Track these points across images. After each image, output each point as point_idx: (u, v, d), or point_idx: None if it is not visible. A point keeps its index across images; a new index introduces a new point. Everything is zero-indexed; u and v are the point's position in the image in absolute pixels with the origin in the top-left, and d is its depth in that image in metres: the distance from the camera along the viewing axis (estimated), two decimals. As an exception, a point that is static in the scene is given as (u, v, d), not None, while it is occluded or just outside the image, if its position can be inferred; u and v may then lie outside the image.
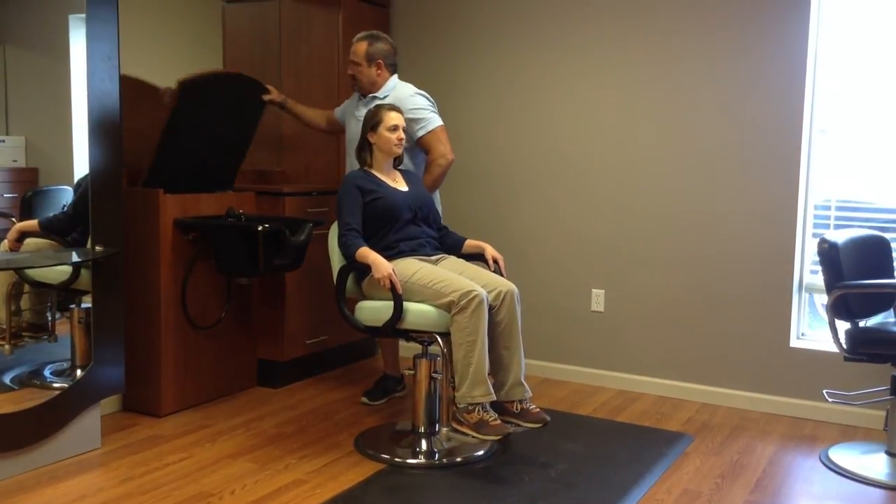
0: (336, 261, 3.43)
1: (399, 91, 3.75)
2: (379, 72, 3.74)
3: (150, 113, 3.63)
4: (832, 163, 3.91)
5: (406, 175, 3.53)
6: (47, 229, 3.34)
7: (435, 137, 3.68)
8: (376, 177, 3.42)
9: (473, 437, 3.07)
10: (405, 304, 3.14)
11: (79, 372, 3.30)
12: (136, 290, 3.61)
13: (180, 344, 3.72)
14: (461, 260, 3.43)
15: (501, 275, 3.37)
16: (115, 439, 3.37)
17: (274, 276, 4.06)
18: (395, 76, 3.80)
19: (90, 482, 2.96)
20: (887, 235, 3.55)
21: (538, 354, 4.46)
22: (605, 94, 4.24)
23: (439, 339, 3.18)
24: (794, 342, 3.93)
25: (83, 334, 3.40)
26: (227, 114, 3.85)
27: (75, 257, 3.32)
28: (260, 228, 3.58)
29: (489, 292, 3.13)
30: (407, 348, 3.89)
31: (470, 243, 3.53)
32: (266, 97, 3.98)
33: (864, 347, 3.20)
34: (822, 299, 3.86)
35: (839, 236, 3.27)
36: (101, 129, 3.15)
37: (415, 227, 3.40)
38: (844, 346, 3.23)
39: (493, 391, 3.10)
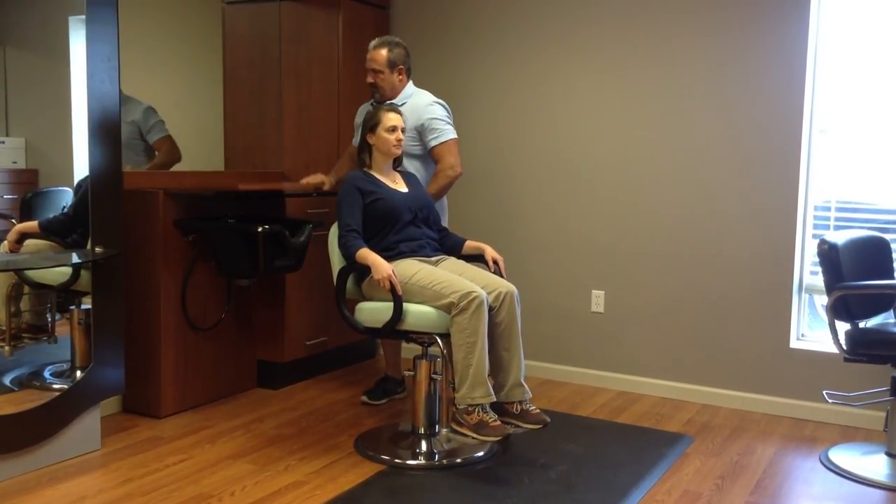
0: (336, 262, 3.43)
1: (417, 98, 3.76)
2: (400, 77, 3.75)
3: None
4: (832, 163, 3.91)
5: (406, 176, 3.53)
6: (47, 230, 3.34)
7: (447, 149, 3.70)
8: (376, 178, 3.42)
9: (473, 438, 3.07)
10: (405, 305, 3.14)
11: (79, 373, 3.30)
12: (136, 292, 3.61)
13: (180, 345, 3.72)
14: (461, 261, 3.43)
15: (501, 276, 3.37)
16: (115, 440, 3.37)
17: (274, 277, 4.06)
18: (411, 81, 3.81)
19: (90, 483, 2.96)
20: (887, 236, 3.55)
21: (538, 355, 4.45)
22: (605, 95, 4.24)
23: (439, 341, 3.18)
24: (794, 343, 3.93)
25: (83, 335, 3.40)
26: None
27: (75, 258, 3.32)
28: (260, 230, 3.58)
29: (489, 293, 3.13)
30: (408, 349, 3.89)
31: (470, 244, 3.53)
32: (308, 182, 3.97)
33: (864, 348, 3.20)
34: (822, 300, 3.86)
35: (839, 237, 3.27)
36: (101, 131, 3.15)
37: (414, 228, 3.40)
38: (844, 347, 3.23)
39: (493, 392, 3.09)
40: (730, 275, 4.01)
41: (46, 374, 3.45)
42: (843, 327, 3.26)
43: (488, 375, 3.10)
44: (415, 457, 3.24)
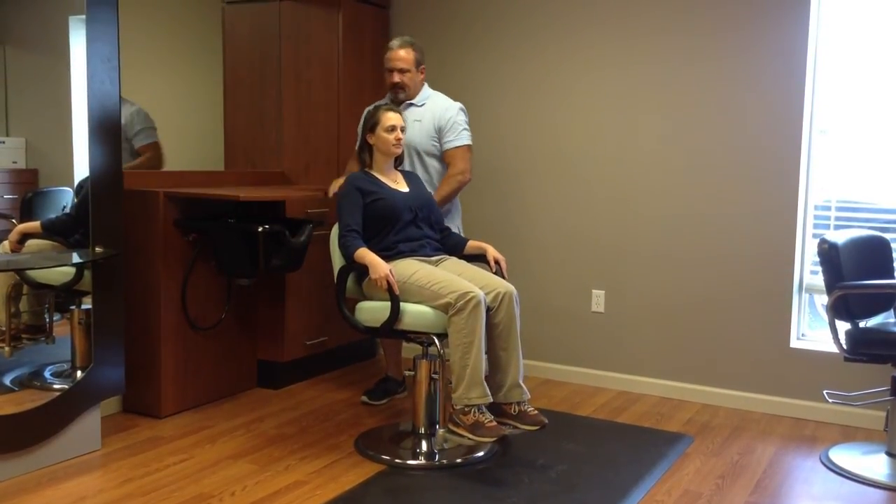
0: (337, 261, 3.43)
1: (437, 99, 3.79)
2: (422, 77, 3.78)
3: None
4: (832, 163, 3.91)
5: (407, 176, 3.53)
6: (50, 231, 3.34)
7: (461, 154, 3.73)
8: (377, 178, 3.41)
9: (469, 438, 3.07)
10: (403, 305, 3.15)
11: (79, 373, 3.30)
12: (137, 292, 3.61)
13: (180, 345, 3.72)
14: (462, 261, 3.43)
15: (503, 276, 3.36)
16: (116, 440, 3.37)
17: (274, 276, 4.06)
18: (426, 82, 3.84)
19: (90, 483, 2.96)
20: (887, 236, 3.54)
21: (538, 355, 4.46)
22: (606, 95, 4.24)
23: (436, 341, 3.18)
24: (795, 343, 3.93)
25: (83, 335, 3.40)
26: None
27: (76, 258, 3.32)
28: (260, 229, 3.58)
29: (487, 294, 3.13)
30: (408, 349, 3.89)
31: (472, 244, 3.53)
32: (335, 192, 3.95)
33: (864, 348, 3.20)
34: (823, 300, 3.86)
35: (839, 237, 3.27)
36: (101, 131, 3.15)
37: (415, 228, 3.40)
38: (845, 347, 3.23)
39: (489, 393, 3.09)
40: (730, 274, 4.01)
41: (47, 374, 3.45)
42: (843, 327, 3.26)
43: (486, 376, 3.10)
44: (415, 457, 3.24)
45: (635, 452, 3.38)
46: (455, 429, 3.11)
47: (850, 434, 3.68)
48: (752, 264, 3.95)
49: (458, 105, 3.80)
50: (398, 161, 3.51)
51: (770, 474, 3.21)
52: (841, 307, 3.20)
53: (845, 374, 3.71)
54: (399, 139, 3.40)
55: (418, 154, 3.77)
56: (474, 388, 3.06)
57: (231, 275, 3.85)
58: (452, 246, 3.53)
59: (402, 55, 3.72)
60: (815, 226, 3.96)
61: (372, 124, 3.40)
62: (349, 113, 4.41)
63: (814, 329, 4.00)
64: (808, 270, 3.96)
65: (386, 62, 3.77)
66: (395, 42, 3.76)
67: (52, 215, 3.39)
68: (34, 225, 3.34)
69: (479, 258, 3.48)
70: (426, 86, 3.84)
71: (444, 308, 3.08)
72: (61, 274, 3.36)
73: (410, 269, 3.21)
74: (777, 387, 3.94)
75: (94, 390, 3.23)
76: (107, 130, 3.17)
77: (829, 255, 3.19)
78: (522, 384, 3.20)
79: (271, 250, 3.65)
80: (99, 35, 3.12)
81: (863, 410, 3.72)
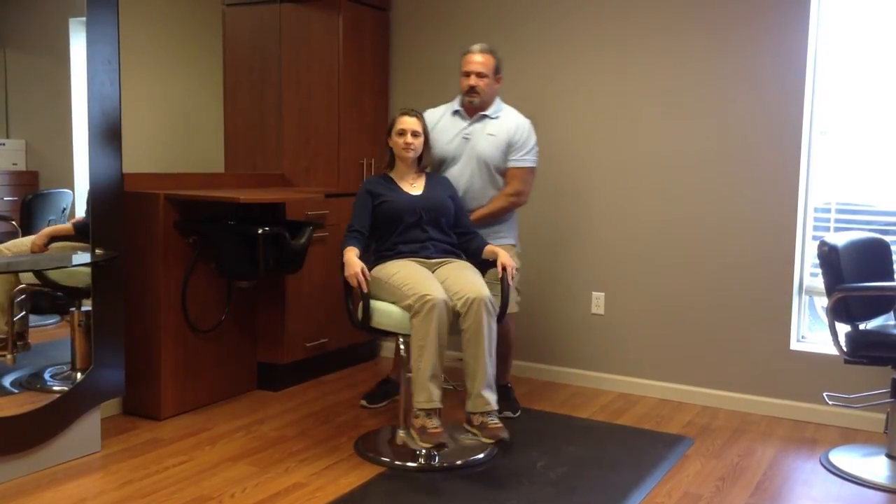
0: None
1: (510, 113, 3.73)
2: (497, 86, 3.73)
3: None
4: (832, 165, 3.91)
5: (432, 179, 3.52)
6: (82, 232, 3.32)
7: (522, 175, 3.68)
8: (392, 181, 3.45)
9: (415, 442, 3.09)
10: (374, 303, 3.20)
11: (79, 375, 3.30)
12: (137, 294, 3.61)
13: (180, 347, 3.72)
14: (467, 265, 3.38)
15: (508, 282, 3.31)
16: (115, 442, 3.37)
17: (274, 279, 4.06)
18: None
19: (90, 485, 2.96)
20: (887, 238, 3.54)
21: (538, 357, 4.45)
22: (604, 96, 4.24)
23: (401, 341, 3.21)
24: (795, 345, 3.93)
25: (83, 337, 3.39)
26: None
27: (75, 260, 3.31)
28: (260, 231, 3.58)
29: (459, 299, 3.11)
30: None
31: (487, 249, 3.46)
32: None
33: (864, 350, 3.20)
34: (823, 302, 3.86)
35: (839, 239, 3.27)
36: (102, 133, 3.16)
37: (419, 230, 3.39)
38: (845, 349, 3.23)
39: (435, 399, 3.06)
40: (730, 276, 4.01)
41: (46, 375, 3.44)
42: (843, 329, 3.26)
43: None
44: (415, 459, 3.23)
45: (635, 454, 3.38)
46: (410, 430, 3.14)
47: (850, 436, 3.68)
48: (751, 266, 3.95)
49: (529, 122, 3.74)
50: (421, 163, 3.50)
51: (770, 476, 3.21)
52: (841, 309, 3.20)
53: (845, 377, 3.71)
54: (408, 143, 3.40)
55: (488, 168, 3.67)
56: (421, 391, 3.06)
57: (231, 277, 3.85)
58: (473, 249, 3.48)
59: (482, 60, 3.65)
60: (815, 228, 3.96)
61: (389, 127, 3.46)
62: (349, 115, 4.41)
63: (814, 331, 4.00)
64: (808, 272, 3.96)
65: (464, 65, 3.67)
66: (475, 46, 3.69)
67: (81, 217, 3.36)
68: (66, 227, 3.33)
69: (493, 263, 3.41)
70: (499, 99, 3.77)
71: (408, 309, 3.10)
72: (85, 275, 3.31)
73: (394, 269, 3.23)
74: (777, 389, 3.94)
75: (94, 392, 3.23)
76: (107, 132, 3.17)
77: (829, 258, 3.19)
78: (486, 394, 3.11)
79: (271, 252, 3.65)
80: (99, 37, 3.12)
81: (863, 413, 3.72)
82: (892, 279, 3.43)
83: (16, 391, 3.28)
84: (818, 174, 3.92)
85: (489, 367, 3.12)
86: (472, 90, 3.65)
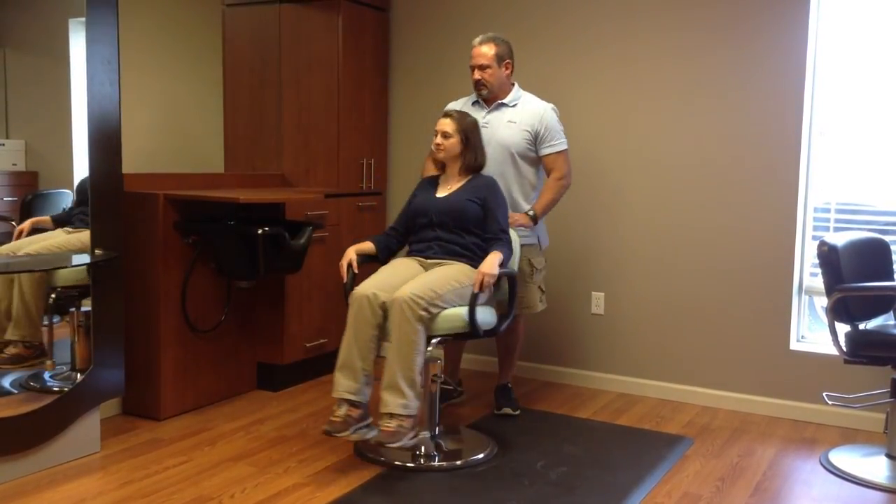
0: None
1: (531, 103, 3.73)
2: (507, 73, 3.71)
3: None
4: (832, 165, 3.91)
5: (472, 181, 3.46)
6: (59, 224, 3.36)
7: (563, 158, 3.70)
8: (436, 182, 3.53)
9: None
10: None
11: (78, 375, 3.30)
12: (136, 294, 3.60)
13: (180, 347, 3.72)
14: (459, 267, 3.31)
15: (474, 291, 3.19)
16: (115, 443, 3.36)
17: (274, 279, 4.06)
18: (517, 83, 3.78)
19: (89, 486, 2.96)
20: (887, 238, 3.55)
21: (538, 357, 4.45)
22: (603, 97, 4.24)
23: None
24: (794, 345, 3.93)
25: (83, 338, 3.39)
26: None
27: (75, 260, 3.31)
28: (260, 231, 3.58)
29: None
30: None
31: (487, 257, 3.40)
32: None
33: (864, 350, 3.20)
34: (822, 302, 3.86)
35: (839, 239, 3.27)
36: (101, 133, 3.15)
37: (430, 231, 3.44)
38: (844, 349, 3.23)
39: (340, 389, 3.15)
40: (729, 276, 4.01)
41: (46, 376, 3.44)
42: (843, 329, 3.26)
43: None
44: (415, 459, 3.23)
45: (635, 454, 3.38)
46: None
47: (849, 436, 3.68)
48: (751, 266, 3.95)
49: (551, 106, 3.74)
50: (465, 165, 3.45)
51: (770, 476, 3.21)
52: (841, 309, 3.20)
53: (845, 376, 3.71)
54: (437, 145, 3.43)
55: (511, 155, 3.67)
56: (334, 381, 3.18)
57: (231, 277, 3.85)
58: (486, 253, 3.41)
59: (482, 51, 3.64)
60: (815, 228, 3.96)
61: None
62: (349, 115, 4.41)
63: (813, 331, 4.00)
64: (808, 272, 3.96)
65: (470, 60, 3.70)
66: (476, 39, 3.68)
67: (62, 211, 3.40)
68: (44, 219, 3.37)
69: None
70: (517, 86, 3.77)
71: None
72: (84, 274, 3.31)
73: (388, 266, 3.38)
74: (777, 389, 3.94)
75: (94, 392, 3.23)
76: (107, 132, 3.17)
77: (829, 258, 3.19)
78: (385, 395, 3.09)
79: (271, 253, 3.65)
80: (99, 37, 3.12)
81: (863, 412, 3.72)
82: (892, 279, 3.44)
83: (15, 391, 3.28)
84: (818, 174, 3.92)
85: (396, 369, 3.10)
86: (478, 84, 3.68)
